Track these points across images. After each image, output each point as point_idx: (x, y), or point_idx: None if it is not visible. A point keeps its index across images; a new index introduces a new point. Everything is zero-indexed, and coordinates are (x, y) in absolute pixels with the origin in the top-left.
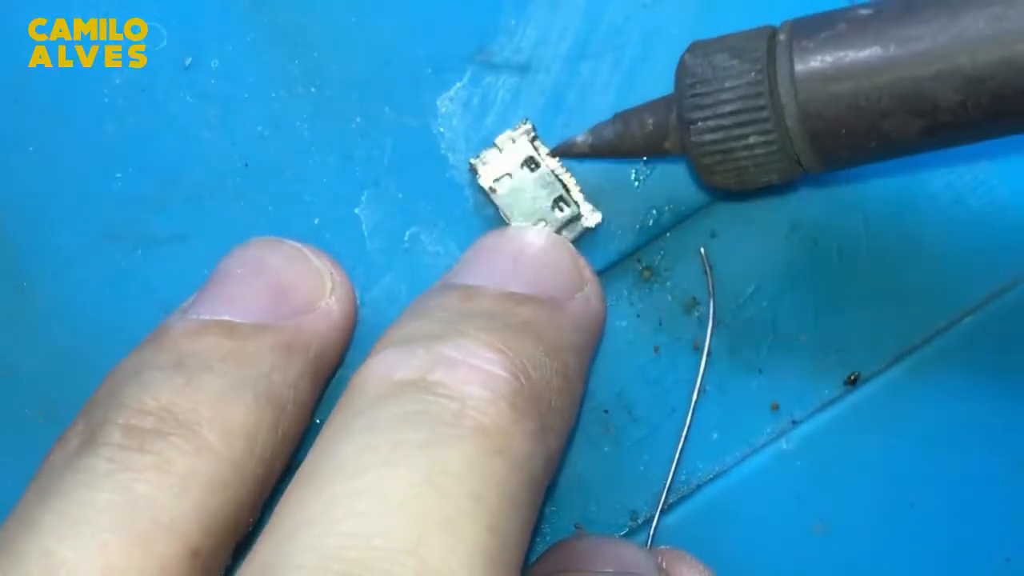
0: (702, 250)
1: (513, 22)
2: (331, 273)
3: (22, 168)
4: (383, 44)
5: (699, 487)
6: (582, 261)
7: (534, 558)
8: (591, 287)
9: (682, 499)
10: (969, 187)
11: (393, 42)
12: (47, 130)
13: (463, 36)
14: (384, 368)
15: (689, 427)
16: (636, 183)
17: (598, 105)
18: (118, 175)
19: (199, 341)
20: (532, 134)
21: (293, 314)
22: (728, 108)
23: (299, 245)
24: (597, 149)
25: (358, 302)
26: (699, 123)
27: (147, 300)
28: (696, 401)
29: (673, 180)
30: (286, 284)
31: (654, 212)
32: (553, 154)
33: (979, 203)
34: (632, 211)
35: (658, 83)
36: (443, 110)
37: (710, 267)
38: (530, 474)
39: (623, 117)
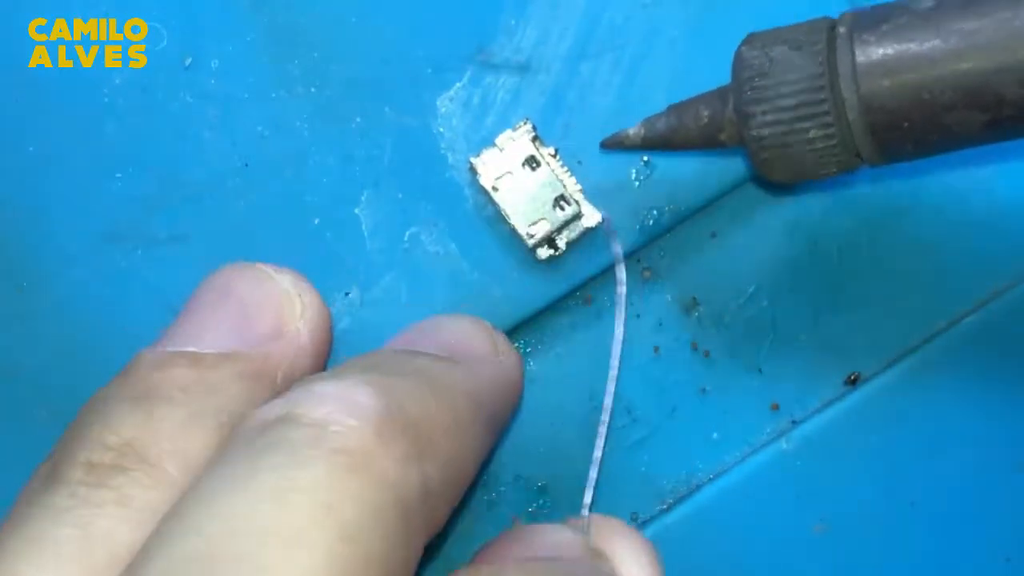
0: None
1: (513, 22)
2: (300, 295)
3: (22, 168)
4: (383, 44)
5: (699, 487)
6: (500, 336)
7: None
8: (507, 357)
9: (682, 499)
10: (970, 187)
11: (393, 42)
12: (47, 130)
13: (463, 36)
14: (259, 411)
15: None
16: (636, 183)
17: (598, 105)
18: (118, 175)
19: (164, 373)
20: (532, 133)
21: (260, 341)
22: (788, 102)
23: (269, 268)
24: (649, 141)
25: (330, 315)
26: (758, 116)
27: (147, 300)
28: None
29: (673, 180)
30: (253, 310)
31: (654, 212)
32: (606, 145)
33: (980, 203)
34: (632, 211)
35: (658, 83)
36: (443, 110)
37: (614, 232)
38: (399, 496)
39: (677, 109)
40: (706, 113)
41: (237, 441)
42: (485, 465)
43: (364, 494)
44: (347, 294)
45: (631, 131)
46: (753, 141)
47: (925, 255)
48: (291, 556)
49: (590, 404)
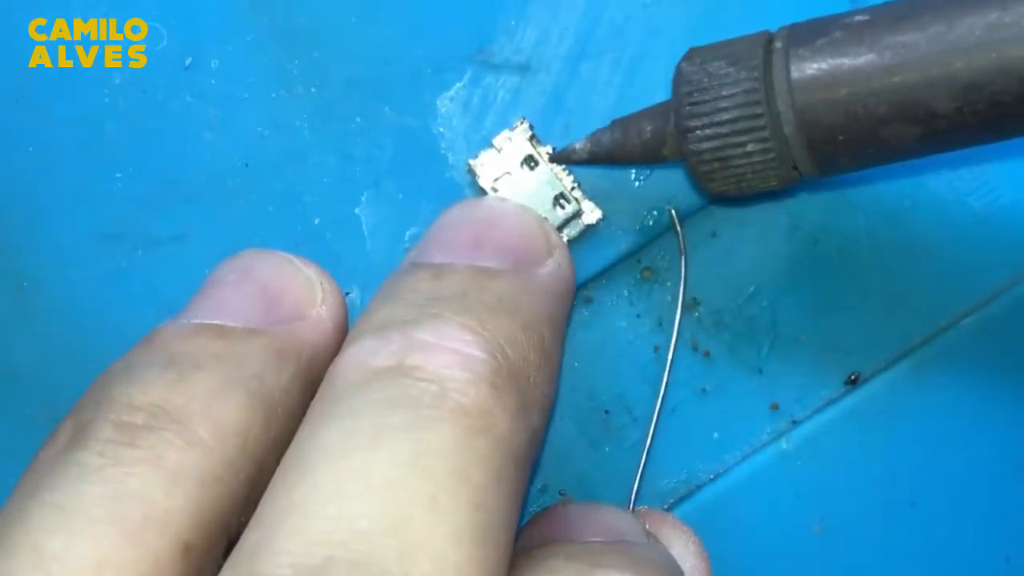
0: (672, 212)
1: (513, 22)
2: (321, 283)
3: (22, 168)
4: (383, 44)
5: (699, 487)
6: (548, 226)
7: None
8: (560, 252)
9: (682, 499)
10: (970, 187)
11: (393, 42)
12: (47, 130)
13: (463, 36)
14: (361, 356)
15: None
16: (636, 183)
17: (598, 105)
18: (118, 175)
19: (190, 342)
20: (530, 133)
21: (284, 320)
22: (725, 116)
23: (289, 255)
24: (595, 156)
25: (347, 308)
26: (696, 131)
27: (147, 300)
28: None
29: (673, 180)
30: (277, 291)
31: (654, 212)
32: (555, 158)
33: (980, 203)
34: (632, 211)
35: (658, 83)
36: (443, 110)
37: (681, 228)
38: (514, 451)
39: (621, 124)
40: (649, 128)
41: (350, 388)
42: None
43: (489, 457)
44: (347, 294)
45: (577, 145)
46: (692, 155)
47: (925, 255)
48: (437, 525)
49: (590, 404)
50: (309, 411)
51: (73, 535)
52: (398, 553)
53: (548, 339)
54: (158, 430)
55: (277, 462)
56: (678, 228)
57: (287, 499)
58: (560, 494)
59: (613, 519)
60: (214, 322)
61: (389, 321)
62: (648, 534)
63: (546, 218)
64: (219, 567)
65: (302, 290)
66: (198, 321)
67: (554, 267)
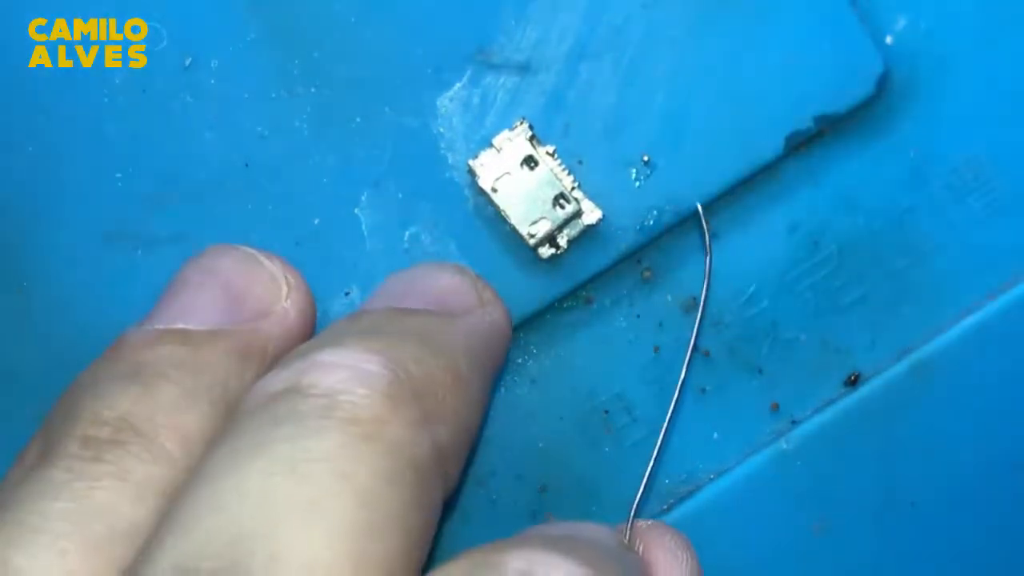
0: (700, 208)
1: (513, 22)
2: (285, 277)
3: (22, 168)
4: (383, 44)
5: (699, 487)
6: (483, 284)
7: None
8: (494, 307)
9: (682, 499)
10: (969, 187)
11: (393, 42)
12: (47, 130)
13: (463, 36)
14: (262, 384)
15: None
16: (636, 183)
17: (598, 105)
18: (118, 175)
19: (154, 350)
20: (529, 133)
21: (248, 319)
22: None
23: (252, 250)
24: None
25: (314, 300)
26: None
27: (147, 300)
28: (676, 401)
29: (673, 180)
30: (240, 289)
31: (654, 212)
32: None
33: (979, 203)
34: (632, 211)
35: (658, 83)
36: (443, 110)
37: (710, 244)
38: (411, 459)
39: None
40: None
41: (244, 415)
42: (484, 461)
43: (379, 461)
44: (347, 294)
45: None
46: None
47: (925, 255)
48: (311, 526)
49: (590, 404)
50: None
51: (38, 550)
52: (265, 558)
53: (464, 366)
54: (124, 444)
55: None
56: (704, 224)
57: (168, 521)
58: (547, 516)
59: (586, 529)
60: (177, 327)
61: (298, 351)
62: (622, 545)
63: (477, 277)
64: None
65: (266, 286)
66: (162, 327)
67: (482, 315)
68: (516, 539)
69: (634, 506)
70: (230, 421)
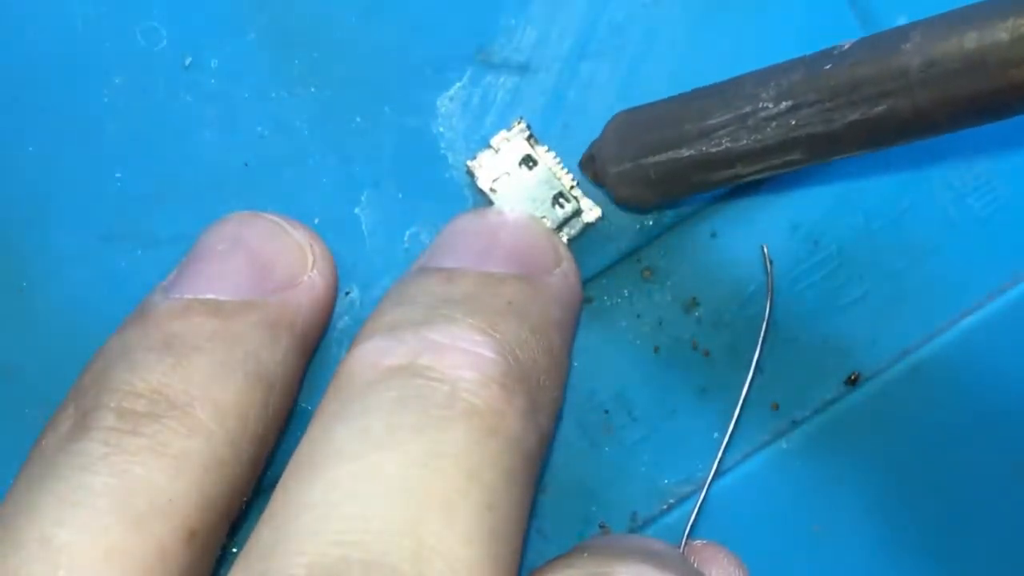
0: (764, 248)
1: (513, 22)
2: (311, 246)
3: (22, 168)
4: (383, 44)
5: (699, 487)
6: (556, 237)
7: (531, 553)
8: (567, 263)
9: (682, 499)
10: (969, 187)
11: (393, 42)
12: (47, 130)
13: (463, 36)
14: (373, 355)
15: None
16: None
17: (598, 105)
18: (118, 175)
19: (185, 321)
20: (528, 132)
21: (276, 289)
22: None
23: (277, 218)
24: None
25: (336, 269)
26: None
27: None
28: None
29: None
30: (267, 259)
31: (654, 212)
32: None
33: (979, 203)
34: (632, 211)
35: (658, 83)
36: (443, 110)
37: (771, 263)
38: (524, 452)
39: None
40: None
41: (359, 388)
42: None
43: (500, 457)
44: (347, 294)
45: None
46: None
47: (925, 255)
48: (450, 526)
49: (590, 404)
50: (321, 407)
51: (80, 526)
52: (411, 554)
53: (557, 344)
54: (160, 417)
55: (276, 437)
56: (768, 264)
57: (301, 497)
58: (600, 526)
59: (649, 544)
60: (207, 297)
61: (401, 322)
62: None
63: (553, 229)
64: (222, 550)
65: (292, 256)
66: (191, 296)
67: (561, 276)
68: (617, 551)
69: (689, 524)
70: (342, 388)
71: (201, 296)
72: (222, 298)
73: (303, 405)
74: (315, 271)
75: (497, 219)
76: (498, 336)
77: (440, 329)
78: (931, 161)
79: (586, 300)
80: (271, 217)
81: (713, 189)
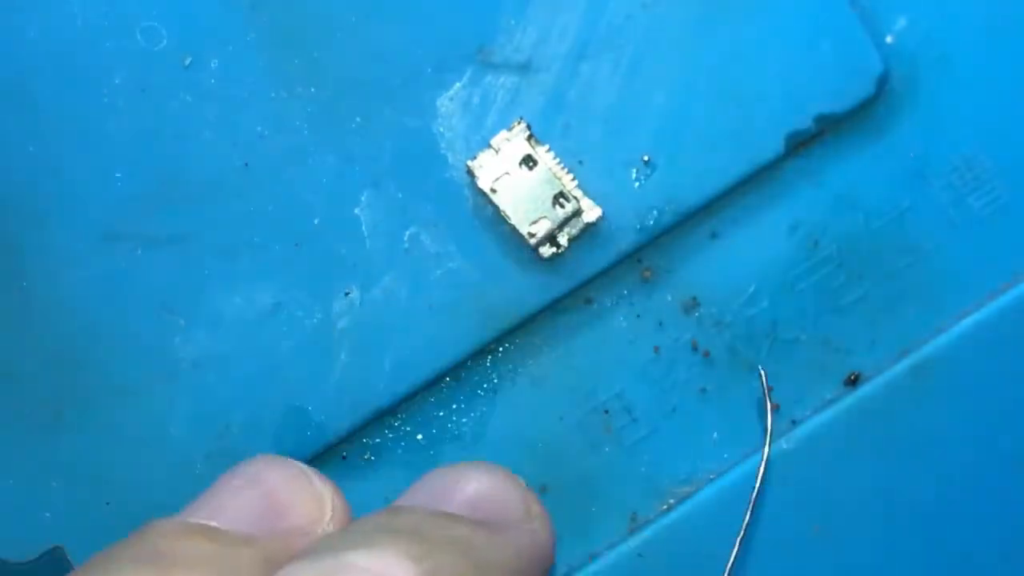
0: (762, 372)
1: (513, 22)
2: (332, 499)
3: (22, 168)
4: (383, 44)
5: (699, 487)
6: (532, 496)
7: None
8: (541, 522)
9: (682, 499)
10: (969, 187)
11: (393, 42)
12: (47, 130)
13: (463, 36)
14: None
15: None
16: (636, 183)
17: (598, 105)
18: (118, 175)
19: (178, 541)
20: (528, 133)
21: (285, 533)
22: None
23: (304, 467)
24: None
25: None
26: None
27: (147, 300)
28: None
29: (673, 180)
30: (283, 503)
31: (654, 212)
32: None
33: (979, 203)
34: (632, 211)
35: (658, 83)
36: (443, 110)
37: (769, 389)
38: None
39: None
40: None
41: None
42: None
43: None
44: (347, 294)
45: None
46: None
47: (925, 255)
48: None
49: (590, 404)
50: None
51: None
52: None
53: None
54: None
55: None
56: (765, 387)
57: None
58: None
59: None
60: (210, 524)
61: (330, 547)
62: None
63: (526, 486)
64: None
65: (310, 506)
66: (193, 520)
67: (529, 533)
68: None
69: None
70: None
71: (202, 522)
72: (224, 527)
73: (301, 404)
74: (330, 526)
75: (467, 469)
76: (426, 564)
77: (362, 553)
78: (931, 161)
79: (586, 300)
80: (299, 464)
81: None
